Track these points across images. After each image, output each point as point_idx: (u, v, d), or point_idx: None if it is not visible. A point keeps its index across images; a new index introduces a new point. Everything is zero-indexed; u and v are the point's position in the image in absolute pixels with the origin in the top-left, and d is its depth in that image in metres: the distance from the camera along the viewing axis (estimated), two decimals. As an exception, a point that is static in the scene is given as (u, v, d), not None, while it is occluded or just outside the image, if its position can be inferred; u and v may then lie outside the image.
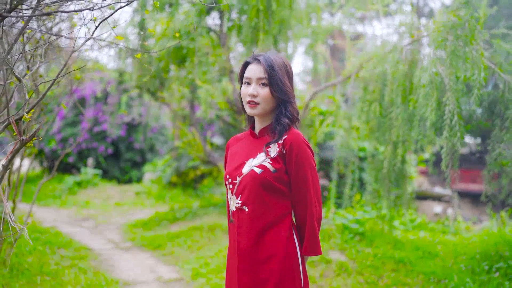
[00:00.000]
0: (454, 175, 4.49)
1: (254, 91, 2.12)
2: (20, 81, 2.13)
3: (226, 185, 2.26)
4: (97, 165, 13.87)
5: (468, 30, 4.17)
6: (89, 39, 2.14)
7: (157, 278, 5.23)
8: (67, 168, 13.93)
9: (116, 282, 4.94)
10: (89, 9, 1.62)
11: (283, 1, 5.91)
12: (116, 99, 12.44)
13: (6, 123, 2.08)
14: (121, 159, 14.35)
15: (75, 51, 2.17)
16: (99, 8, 1.68)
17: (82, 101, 13.25)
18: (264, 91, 2.12)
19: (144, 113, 13.65)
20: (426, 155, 9.39)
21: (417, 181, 12.47)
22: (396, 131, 5.02)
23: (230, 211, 2.25)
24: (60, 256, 5.79)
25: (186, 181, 11.88)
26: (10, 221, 1.95)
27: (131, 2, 2.07)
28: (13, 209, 4.81)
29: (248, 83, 2.16)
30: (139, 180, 14.40)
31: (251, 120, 2.31)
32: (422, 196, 11.50)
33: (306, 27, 6.77)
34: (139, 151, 14.57)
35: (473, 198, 14.18)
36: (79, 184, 12.43)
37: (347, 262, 5.00)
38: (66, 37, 1.84)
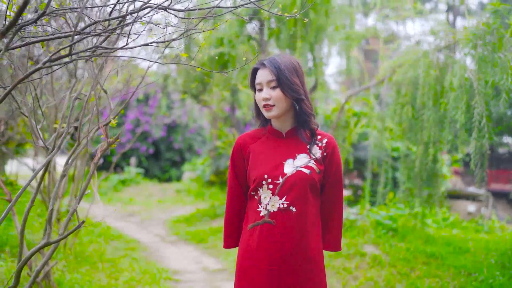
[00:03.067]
0: (484, 175, 4.72)
1: (267, 95, 2.13)
2: (106, 92, 2.58)
3: (261, 185, 2.19)
4: (139, 164, 14.56)
5: (496, 38, 4.43)
6: (159, 58, 2.57)
7: (203, 269, 5.65)
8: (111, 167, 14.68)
9: (166, 270, 5.41)
10: (175, 39, 2.04)
11: (320, 9, 6.26)
12: (158, 101, 13.04)
13: (96, 127, 2.53)
14: (161, 159, 15.01)
15: (150, 67, 2.61)
16: (174, 40, 2.11)
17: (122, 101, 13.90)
18: (276, 93, 2.13)
19: (184, 115, 14.23)
20: (461, 155, 9.52)
21: (451, 181, 12.55)
22: (427, 132, 5.29)
23: (262, 212, 2.19)
24: (114, 247, 6.33)
25: (224, 180, 12.36)
26: (106, 212, 2.38)
27: (184, 33, 2.47)
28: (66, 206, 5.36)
29: (260, 89, 2.18)
30: (178, 178, 15.01)
31: (267, 121, 2.31)
32: (455, 196, 11.58)
33: (340, 33, 7.09)
34: (178, 151, 15.18)
35: (509, 199, 14.10)
36: (123, 182, 13.10)
37: (380, 255, 5.31)
38: (146, 59, 2.26)
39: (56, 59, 1.63)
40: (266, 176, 2.17)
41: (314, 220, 2.20)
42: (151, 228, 8.52)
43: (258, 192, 2.20)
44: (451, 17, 26.49)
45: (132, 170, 13.55)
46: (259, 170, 2.20)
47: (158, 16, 2.27)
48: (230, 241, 2.38)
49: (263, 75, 2.16)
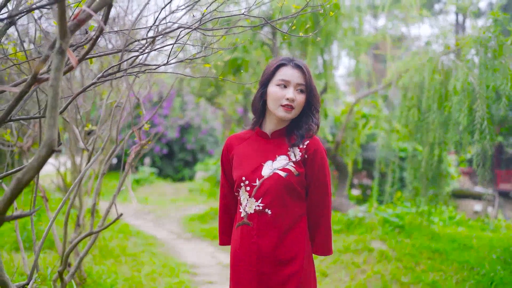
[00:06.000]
0: (486, 175, 4.96)
1: (294, 96, 2.09)
2: (138, 100, 2.90)
3: (240, 186, 2.19)
4: (153, 164, 14.95)
5: (496, 45, 4.69)
6: (184, 68, 2.88)
7: (218, 263, 5.96)
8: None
9: (184, 264, 5.74)
10: (204, 56, 2.36)
11: (329, 16, 6.54)
12: (172, 103, 13.40)
13: (131, 131, 2.85)
14: (174, 159, 15.39)
15: (177, 78, 2.92)
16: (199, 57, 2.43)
17: (138, 105, 14.31)
18: (301, 98, 2.11)
19: (196, 116, 14.60)
20: (468, 156, 9.73)
21: (459, 181, 12.74)
22: (432, 133, 5.56)
23: (242, 213, 2.20)
24: (133, 242, 6.67)
25: (235, 179, 12.68)
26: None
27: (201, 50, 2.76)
28: (98, 203, 5.71)
29: (285, 86, 2.12)
30: (191, 178, 15.37)
31: (259, 120, 2.25)
32: (462, 195, 11.78)
33: (349, 37, 7.37)
34: (191, 151, 15.56)
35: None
36: (137, 181, 13.48)
37: (387, 251, 5.58)
38: (181, 74, 2.56)
39: (108, 75, 1.94)
40: (244, 178, 2.16)
41: (294, 222, 2.15)
42: (166, 226, 8.85)
43: (239, 193, 2.20)
44: (460, 17, 26.60)
45: (146, 169, 13.94)
46: (239, 172, 2.19)
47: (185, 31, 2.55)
48: (224, 238, 2.42)
49: (294, 75, 2.13)
